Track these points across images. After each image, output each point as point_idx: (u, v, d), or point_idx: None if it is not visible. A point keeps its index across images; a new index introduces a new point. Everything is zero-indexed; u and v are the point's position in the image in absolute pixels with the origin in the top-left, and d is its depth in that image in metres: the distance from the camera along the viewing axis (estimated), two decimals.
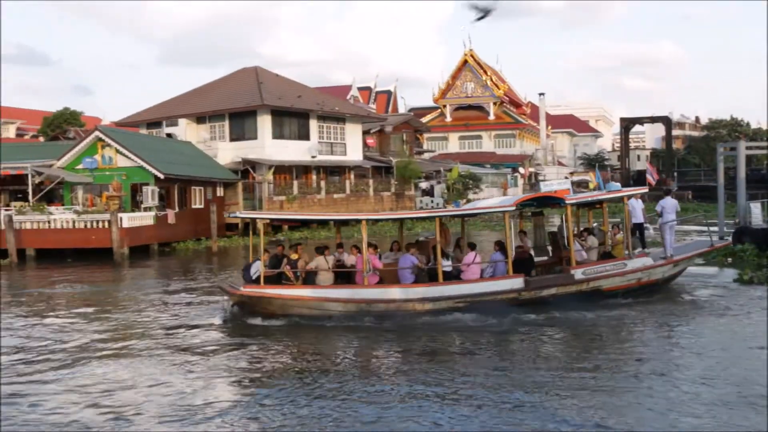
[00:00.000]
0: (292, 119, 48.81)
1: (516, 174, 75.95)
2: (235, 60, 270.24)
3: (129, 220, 32.34)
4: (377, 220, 32.57)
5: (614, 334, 14.59)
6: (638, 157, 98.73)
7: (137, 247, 32.29)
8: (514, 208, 17.38)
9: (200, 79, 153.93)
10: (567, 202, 17.45)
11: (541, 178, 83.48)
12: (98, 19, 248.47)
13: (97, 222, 31.84)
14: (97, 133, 37.78)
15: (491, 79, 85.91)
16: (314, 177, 49.75)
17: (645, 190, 21.53)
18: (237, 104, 47.44)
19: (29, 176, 34.90)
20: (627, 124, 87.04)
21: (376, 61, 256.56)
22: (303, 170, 49.62)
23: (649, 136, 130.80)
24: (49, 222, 32.11)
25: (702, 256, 20.00)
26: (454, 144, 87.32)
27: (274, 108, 46.82)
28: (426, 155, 75.32)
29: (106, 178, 36.03)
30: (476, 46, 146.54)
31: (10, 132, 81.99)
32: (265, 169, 45.42)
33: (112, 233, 31.13)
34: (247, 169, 46.09)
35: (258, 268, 16.15)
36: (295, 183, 46.45)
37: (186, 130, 49.00)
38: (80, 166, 37.13)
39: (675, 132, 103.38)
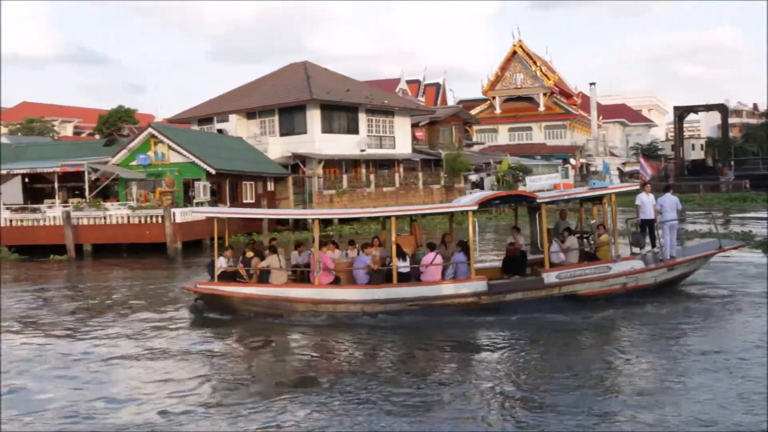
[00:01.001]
0: (341, 113, 48.97)
1: (567, 165, 74.98)
2: (284, 55, 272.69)
3: (182, 215, 32.82)
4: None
5: (555, 346, 13.09)
6: (693, 147, 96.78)
7: (190, 241, 32.74)
8: (476, 207, 15.98)
9: (250, 75, 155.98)
10: (539, 200, 16.48)
11: (593, 166, 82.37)
12: (153, 19, 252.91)
13: (151, 217, 32.37)
14: (150, 130, 38.46)
15: (541, 70, 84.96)
16: (363, 171, 49.86)
17: (635, 186, 19.54)
18: (286, 99, 47.78)
19: (86, 173, 35.65)
20: (681, 112, 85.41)
21: (424, 54, 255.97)
22: (352, 164, 49.77)
23: (704, 125, 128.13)
24: (105, 218, 32.75)
25: (707, 258, 17.86)
26: (503, 136, 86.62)
27: (323, 102, 47.04)
28: (475, 147, 74.89)
29: (159, 174, 36.67)
30: (525, 37, 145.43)
31: (68, 130, 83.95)
32: (315, 163, 45.69)
33: (165, 228, 31.61)
34: (297, 163, 46.42)
35: (221, 264, 16.47)
36: (345, 177, 46.61)
37: (236, 126, 49.57)
38: (134, 163, 37.85)
39: (731, 120, 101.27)
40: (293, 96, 47.66)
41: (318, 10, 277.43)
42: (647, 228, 17.90)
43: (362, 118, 50.29)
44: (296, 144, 47.02)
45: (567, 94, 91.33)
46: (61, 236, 32.09)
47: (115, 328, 15.72)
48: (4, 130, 74.88)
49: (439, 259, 15.62)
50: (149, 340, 14.45)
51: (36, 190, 38.95)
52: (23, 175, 37.14)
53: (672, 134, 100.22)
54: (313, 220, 16.80)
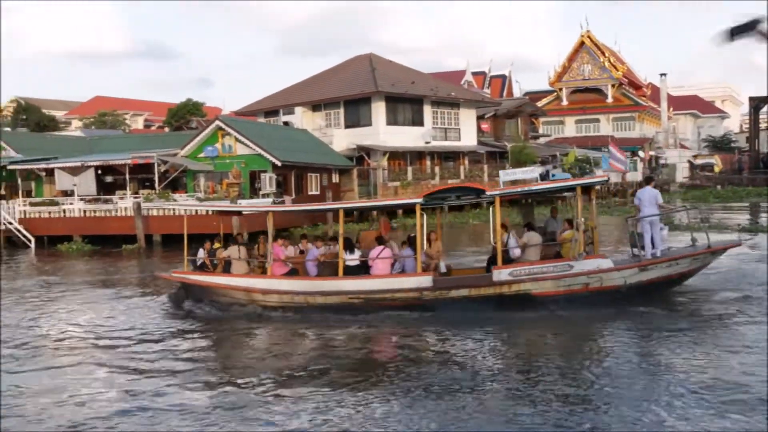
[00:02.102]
0: (406, 105, 48.86)
1: (635, 158, 73.46)
2: (349, 48, 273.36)
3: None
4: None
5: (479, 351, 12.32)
6: None
7: (256, 232, 33.06)
8: (422, 200, 15.47)
9: (316, 67, 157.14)
10: (490, 193, 15.50)
11: (663, 159, 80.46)
12: (221, 14, 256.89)
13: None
14: (217, 122, 39.02)
15: (609, 61, 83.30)
16: (428, 162, 49.68)
17: (604, 178, 17.86)
18: (352, 91, 47.89)
19: (155, 165, 36.37)
20: (757, 103, 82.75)
21: (490, 46, 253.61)
22: (417, 156, 49.62)
23: None
24: (173, 209, 33.34)
25: (693, 258, 15.48)
26: (570, 128, 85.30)
27: (388, 94, 47.00)
28: (541, 140, 74.01)
29: (226, 166, 37.17)
30: (593, 27, 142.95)
31: (139, 123, 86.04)
32: (380, 155, 45.71)
33: (232, 219, 32.01)
34: (361, 155, 46.52)
35: (200, 255, 17.20)
36: (410, 169, 46.52)
37: (302, 118, 49.93)
38: (202, 155, 38.46)
39: None
40: (358, 88, 47.75)
41: (383, 3, 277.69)
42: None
43: (427, 110, 50.09)
44: (361, 136, 47.11)
45: (636, 86, 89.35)
46: (132, 227, 32.83)
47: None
48: (79, 123, 77.07)
49: (386, 252, 15.30)
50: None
51: (108, 181, 39.90)
52: (96, 167, 38.06)
53: (747, 126, 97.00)
54: (269, 212, 16.85)
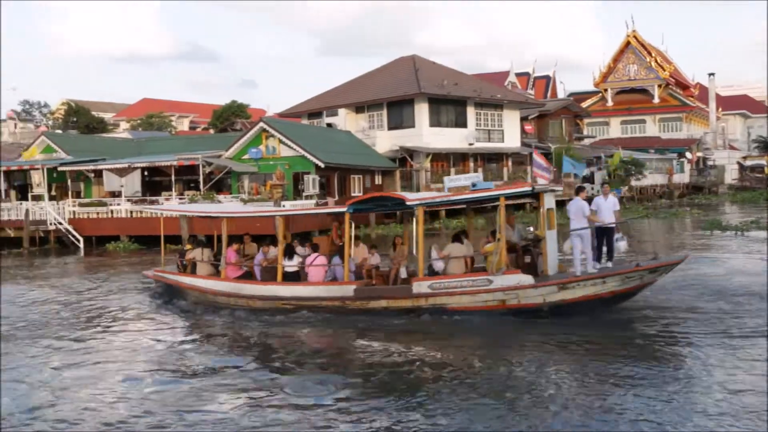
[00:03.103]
0: (449, 107, 48.74)
1: (683, 159, 72.21)
2: (392, 50, 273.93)
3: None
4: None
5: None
6: None
7: (299, 233, 33.27)
8: (346, 209, 15.47)
9: (359, 69, 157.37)
10: (408, 203, 15.12)
11: (711, 160, 78.94)
12: (264, 16, 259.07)
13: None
14: (261, 124, 39.38)
15: (656, 61, 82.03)
16: (471, 164, 49.47)
17: (527, 188, 15.25)
18: (395, 93, 47.91)
19: (200, 166, 36.81)
20: None
21: (534, 47, 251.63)
22: (460, 157, 49.47)
23: None
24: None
25: (624, 276, 13.91)
26: (615, 129, 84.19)
27: (431, 96, 46.93)
28: (586, 141, 73.22)
29: (269, 168, 37.49)
30: (639, 27, 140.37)
31: (184, 125, 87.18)
32: (423, 156, 45.67)
33: (275, 220, 32.26)
34: (404, 157, 46.51)
35: (193, 257, 17.90)
36: (453, 170, 46.38)
37: (345, 120, 50.13)
38: (246, 156, 38.83)
39: None
40: (402, 90, 47.75)
41: (425, 4, 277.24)
42: (604, 238, 15.06)
43: (470, 112, 49.91)
44: (404, 137, 47.11)
45: (683, 86, 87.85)
46: (177, 227, 33.26)
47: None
48: (126, 125, 78.42)
49: (319, 260, 15.57)
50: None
51: (154, 182, 40.50)
52: (143, 169, 38.67)
53: None
54: (223, 218, 17.71)
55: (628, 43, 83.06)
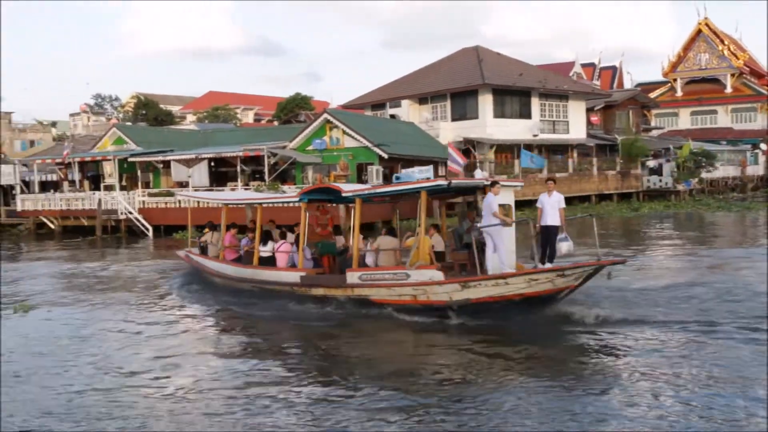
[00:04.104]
0: (513, 98, 48.26)
1: (757, 151, 69.98)
2: (455, 41, 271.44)
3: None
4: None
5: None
6: None
7: (363, 224, 33.42)
8: (297, 199, 16.75)
9: (422, 61, 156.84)
10: (348, 195, 15.78)
11: None
12: (328, 9, 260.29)
13: None
14: (325, 115, 39.61)
15: (729, 49, 79.55)
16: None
17: (444, 183, 14.58)
18: (458, 84, 47.64)
19: (265, 157, 37.25)
20: None
21: (599, 37, 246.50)
22: (525, 149, 48.91)
23: None
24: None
25: (524, 278, 12.98)
26: (685, 120, 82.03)
27: (495, 87, 46.54)
28: (654, 132, 71.57)
29: (333, 158, 37.70)
30: (711, 14, 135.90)
31: (249, 117, 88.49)
32: (487, 148, 45.35)
33: (340, 211, 32.47)
34: (468, 148, 46.23)
35: (205, 240, 20.15)
36: (516, 162, 45.90)
37: (409, 111, 50.07)
38: (310, 147, 39.13)
39: None
40: (465, 81, 47.45)
41: None
42: (549, 237, 13.81)
43: (535, 103, 49.33)
44: (468, 129, 46.82)
45: (759, 74, 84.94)
46: (243, 217, 33.71)
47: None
48: (193, 117, 79.85)
49: (284, 246, 16.65)
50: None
51: (220, 173, 41.14)
52: (209, 159, 39.32)
53: None
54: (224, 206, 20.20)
55: (699, 32, 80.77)
